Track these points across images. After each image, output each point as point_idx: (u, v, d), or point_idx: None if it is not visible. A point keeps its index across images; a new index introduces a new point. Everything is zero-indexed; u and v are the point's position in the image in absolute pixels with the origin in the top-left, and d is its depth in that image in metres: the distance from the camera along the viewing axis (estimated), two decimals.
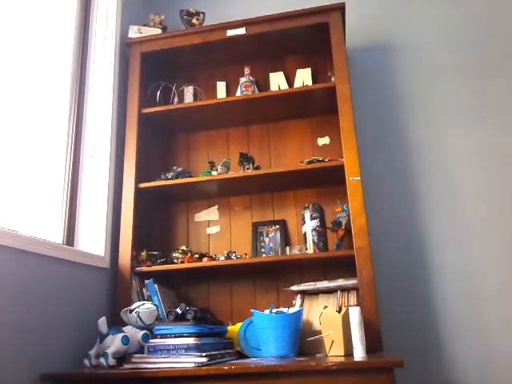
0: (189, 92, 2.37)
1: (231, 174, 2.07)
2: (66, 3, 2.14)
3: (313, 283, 1.89)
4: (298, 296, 1.93)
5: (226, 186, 2.17)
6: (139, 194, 2.10)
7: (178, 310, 1.65)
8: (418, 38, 2.40)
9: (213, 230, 2.29)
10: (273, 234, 2.19)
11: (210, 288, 2.20)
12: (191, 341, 1.52)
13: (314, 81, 2.28)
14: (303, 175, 2.07)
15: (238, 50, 2.35)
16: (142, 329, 1.65)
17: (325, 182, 2.16)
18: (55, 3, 2.05)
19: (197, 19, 2.36)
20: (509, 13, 2.33)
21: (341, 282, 1.85)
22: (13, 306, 1.42)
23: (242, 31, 2.19)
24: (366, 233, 1.80)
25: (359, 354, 1.51)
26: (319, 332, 1.68)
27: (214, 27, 2.22)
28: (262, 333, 1.68)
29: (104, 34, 2.24)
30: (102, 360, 1.56)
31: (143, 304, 1.70)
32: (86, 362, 1.59)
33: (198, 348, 1.51)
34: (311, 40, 2.29)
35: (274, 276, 2.14)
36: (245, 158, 2.16)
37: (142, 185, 2.10)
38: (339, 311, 1.63)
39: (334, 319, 1.62)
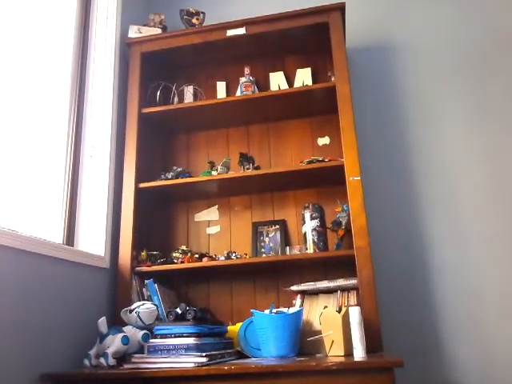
0: (189, 92, 2.37)
1: (231, 174, 2.07)
2: (66, 3, 2.14)
3: (313, 283, 1.89)
4: (298, 296, 1.93)
5: (226, 185, 2.17)
6: (139, 193, 2.10)
7: (178, 310, 1.65)
8: (418, 37, 2.40)
9: (213, 229, 2.29)
10: (273, 233, 2.19)
11: (210, 288, 2.20)
12: (191, 341, 1.52)
13: (314, 81, 2.28)
14: (303, 175, 2.07)
15: (238, 49, 2.35)
16: (142, 329, 1.65)
17: (325, 182, 2.16)
18: (55, 3, 2.05)
19: (197, 19, 2.36)
20: (509, 13, 2.33)
21: (341, 282, 1.85)
22: (13, 306, 1.42)
23: (241, 31, 2.19)
24: (365, 233, 1.80)
25: (359, 353, 1.51)
26: (319, 332, 1.68)
27: (213, 27, 2.22)
28: (262, 333, 1.68)
29: (104, 33, 2.24)
30: (102, 360, 1.56)
31: (143, 304, 1.70)
32: (86, 362, 1.59)
33: (197, 348, 1.51)
34: (311, 40, 2.29)
35: (273, 276, 2.14)
36: (245, 158, 2.16)
37: (142, 185, 2.10)
38: (339, 311, 1.63)
39: (333, 319, 1.62)
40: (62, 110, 2.03)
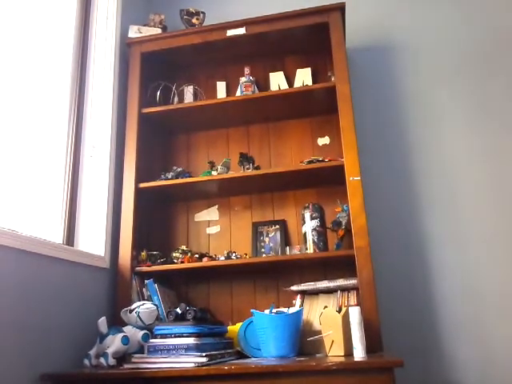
0: (189, 92, 2.37)
1: (231, 174, 2.07)
2: (66, 3, 2.14)
3: (313, 283, 1.89)
4: (298, 296, 1.93)
5: (226, 185, 2.17)
6: (139, 193, 2.10)
7: (178, 310, 1.65)
8: (418, 37, 2.40)
9: (213, 229, 2.29)
10: (273, 233, 2.19)
11: (210, 288, 2.20)
12: (191, 341, 1.52)
13: (314, 81, 2.28)
14: (303, 175, 2.07)
15: (238, 49, 2.35)
16: (142, 329, 1.65)
17: (325, 182, 2.16)
18: (55, 3, 2.05)
19: (197, 19, 2.36)
20: (509, 13, 2.33)
21: (341, 282, 1.85)
22: (13, 306, 1.42)
23: (242, 31, 2.19)
24: (366, 233, 1.80)
25: (359, 354, 1.51)
26: (319, 332, 1.68)
27: (213, 27, 2.22)
28: (262, 333, 1.68)
29: (104, 34, 2.24)
30: (102, 360, 1.56)
31: (143, 304, 1.70)
32: (86, 361, 1.59)
33: (198, 348, 1.51)
34: (311, 40, 2.29)
35: (274, 276, 2.14)
36: (245, 158, 2.16)
37: (142, 185, 2.10)
38: (339, 311, 1.63)
39: (333, 319, 1.62)
40: (62, 110, 2.03)
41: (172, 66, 2.51)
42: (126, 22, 2.37)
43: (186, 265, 2.00)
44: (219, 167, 2.12)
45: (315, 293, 1.92)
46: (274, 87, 2.30)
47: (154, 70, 2.44)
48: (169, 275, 2.15)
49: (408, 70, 2.37)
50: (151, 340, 1.58)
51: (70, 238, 1.95)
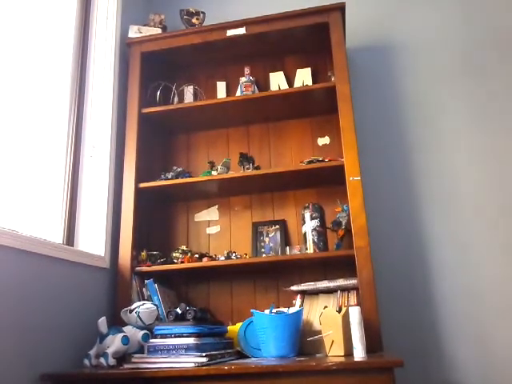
0: (189, 92, 2.37)
1: (231, 174, 2.07)
2: (66, 3, 2.14)
3: (313, 283, 1.89)
4: (298, 296, 1.93)
5: (226, 185, 2.17)
6: (139, 193, 2.10)
7: (178, 310, 1.65)
8: (418, 38, 2.40)
9: (213, 229, 2.29)
10: (273, 233, 2.19)
11: (210, 288, 2.20)
12: (191, 341, 1.52)
13: (314, 81, 2.28)
14: (303, 175, 2.07)
15: (238, 49, 2.35)
16: (142, 329, 1.65)
17: (325, 182, 2.16)
18: (55, 3, 2.05)
19: (197, 19, 2.36)
20: (509, 13, 2.33)
21: (341, 282, 1.85)
22: (13, 306, 1.42)
23: (242, 31, 2.19)
24: (365, 233, 1.80)
25: (359, 353, 1.51)
26: (319, 332, 1.68)
27: (213, 27, 2.22)
28: (262, 333, 1.68)
29: (104, 34, 2.24)
30: (102, 360, 1.56)
31: (143, 304, 1.70)
32: (86, 361, 1.59)
33: (198, 348, 1.51)
34: (311, 40, 2.29)
35: (274, 276, 2.14)
36: (245, 158, 2.16)
37: (142, 185, 2.10)
38: (339, 311, 1.63)
39: (333, 319, 1.62)
40: (62, 110, 2.03)
41: (172, 66, 2.51)
42: (125, 22, 2.37)
43: (186, 265, 2.00)
44: (219, 167, 2.12)
45: (315, 293, 1.92)
46: (274, 87, 2.30)
47: (154, 70, 2.44)
48: (169, 275, 2.15)
49: (408, 70, 2.37)
50: (151, 340, 1.58)
51: (70, 237, 1.95)
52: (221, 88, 2.39)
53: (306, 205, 2.03)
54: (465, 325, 1.98)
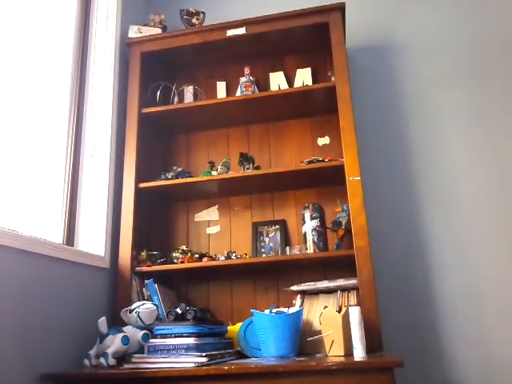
0: (189, 92, 2.37)
1: (231, 174, 2.07)
2: (66, 3, 2.14)
3: (313, 283, 1.89)
4: (298, 296, 1.93)
5: (226, 185, 2.17)
6: (139, 193, 2.10)
7: (178, 310, 1.65)
8: (418, 38, 2.40)
9: (213, 229, 2.29)
10: (273, 233, 2.19)
11: (210, 288, 2.20)
12: (191, 341, 1.52)
13: (314, 81, 2.28)
14: (303, 175, 2.07)
15: (238, 49, 2.35)
16: (142, 329, 1.65)
17: (325, 182, 2.16)
18: (55, 3, 2.05)
19: (197, 19, 2.36)
20: (509, 13, 2.33)
21: (341, 282, 1.85)
22: (13, 306, 1.42)
23: (241, 31, 2.19)
24: (365, 233, 1.80)
25: (359, 353, 1.51)
26: (319, 332, 1.68)
27: (213, 27, 2.22)
28: (262, 333, 1.68)
29: (104, 34, 2.24)
30: (102, 360, 1.56)
31: (143, 304, 1.70)
32: (86, 361, 1.59)
33: (198, 348, 1.51)
34: (311, 40, 2.29)
35: (274, 276, 2.14)
36: (245, 158, 2.16)
37: (142, 185, 2.10)
38: (339, 311, 1.63)
39: (333, 319, 1.62)
40: (62, 110, 2.03)
41: (172, 66, 2.51)
42: (126, 22, 2.37)
43: (186, 265, 2.00)
44: (219, 167, 2.12)
45: (315, 293, 1.92)
46: (274, 87, 2.30)
47: (154, 70, 2.44)
48: (169, 275, 2.15)
49: (408, 70, 2.37)
50: (151, 340, 1.58)
51: (70, 237, 1.95)
52: (221, 88, 2.39)
53: (306, 205, 2.03)
54: (465, 325, 1.98)
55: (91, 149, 2.08)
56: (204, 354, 1.47)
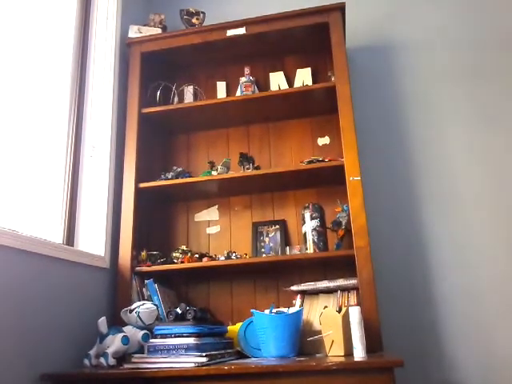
0: (189, 92, 2.37)
1: (231, 174, 2.07)
2: (66, 3, 2.14)
3: (313, 283, 1.89)
4: (298, 296, 1.93)
5: (225, 185, 2.17)
6: (139, 193, 2.10)
7: (178, 310, 1.65)
8: (418, 38, 2.40)
9: (213, 229, 2.29)
10: (273, 233, 2.19)
11: (210, 288, 2.20)
12: (191, 341, 1.52)
13: (314, 81, 2.28)
14: (303, 175, 2.07)
15: (238, 49, 2.35)
16: (142, 329, 1.65)
17: (325, 182, 2.16)
18: (55, 3, 2.05)
19: (197, 19, 2.36)
20: (509, 13, 2.33)
21: (341, 282, 1.85)
22: (13, 306, 1.42)
23: (241, 31, 2.19)
24: (365, 233, 1.80)
25: (359, 353, 1.51)
26: (319, 332, 1.68)
27: (213, 27, 2.22)
28: (262, 333, 1.68)
29: (104, 34, 2.24)
30: (102, 360, 1.56)
31: (143, 304, 1.70)
32: (86, 361, 1.59)
33: (198, 348, 1.51)
34: (311, 40, 2.29)
35: (274, 276, 2.14)
36: (245, 158, 2.16)
37: (142, 185, 2.10)
38: (339, 311, 1.63)
39: (333, 319, 1.62)
40: (62, 110, 2.03)
41: (172, 66, 2.51)
42: (126, 22, 2.37)
43: (186, 265, 2.00)
44: (219, 167, 2.12)
45: (315, 293, 1.92)
46: (274, 87, 2.30)
47: (154, 70, 2.44)
48: (169, 275, 2.15)
49: (408, 70, 2.37)
50: (151, 340, 1.58)
51: (70, 237, 1.95)
52: (221, 88, 2.39)
53: (306, 205, 2.03)
54: (465, 325, 1.98)
55: (91, 149, 2.08)
56: (204, 354, 1.47)
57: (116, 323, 1.79)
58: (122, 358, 1.62)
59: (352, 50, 2.43)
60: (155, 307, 1.71)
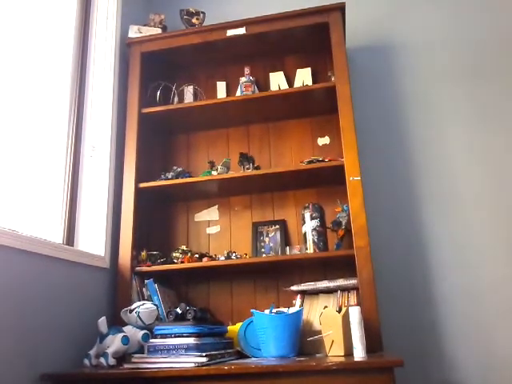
0: (189, 92, 2.37)
1: (231, 174, 2.07)
2: (66, 3, 2.14)
3: (313, 283, 1.89)
4: (298, 296, 1.93)
5: (225, 185, 2.17)
6: (139, 193, 2.10)
7: (178, 310, 1.65)
8: (418, 37, 2.40)
9: (213, 229, 2.29)
10: (273, 233, 2.19)
11: (210, 288, 2.20)
12: (191, 341, 1.52)
13: (314, 81, 2.28)
14: (303, 175, 2.07)
15: (238, 49, 2.35)
16: (142, 329, 1.65)
17: (325, 182, 2.16)
18: (55, 3, 2.05)
19: (197, 19, 2.36)
20: (509, 13, 2.33)
21: (341, 282, 1.85)
22: (13, 306, 1.42)
23: (241, 31, 2.19)
24: (365, 233, 1.80)
25: (359, 353, 1.51)
26: (319, 332, 1.68)
27: (213, 27, 2.22)
28: (262, 333, 1.68)
29: (104, 34, 2.24)
30: (102, 360, 1.56)
31: (143, 304, 1.70)
32: (86, 361, 1.59)
33: (198, 348, 1.51)
34: (311, 40, 2.29)
35: (274, 276, 2.14)
36: (245, 158, 2.16)
37: (142, 185, 2.10)
38: (339, 311, 1.63)
39: (333, 319, 1.62)
40: (62, 110, 2.03)
41: (172, 66, 2.51)
42: (126, 22, 2.37)
43: (186, 265, 2.00)
44: (219, 167, 2.13)
45: (315, 293, 1.92)
46: (274, 87, 2.30)
47: (154, 70, 2.44)
48: (169, 275, 2.15)
49: (408, 70, 2.37)
50: (151, 340, 1.58)
51: (70, 237, 1.95)
52: (221, 88, 2.39)
53: (306, 205, 2.03)
54: (465, 325, 1.97)
55: (91, 149, 2.08)
56: (204, 354, 1.47)
57: (116, 323, 1.79)
58: (122, 357, 1.62)
59: (352, 50, 2.43)
60: (155, 307, 1.71)
